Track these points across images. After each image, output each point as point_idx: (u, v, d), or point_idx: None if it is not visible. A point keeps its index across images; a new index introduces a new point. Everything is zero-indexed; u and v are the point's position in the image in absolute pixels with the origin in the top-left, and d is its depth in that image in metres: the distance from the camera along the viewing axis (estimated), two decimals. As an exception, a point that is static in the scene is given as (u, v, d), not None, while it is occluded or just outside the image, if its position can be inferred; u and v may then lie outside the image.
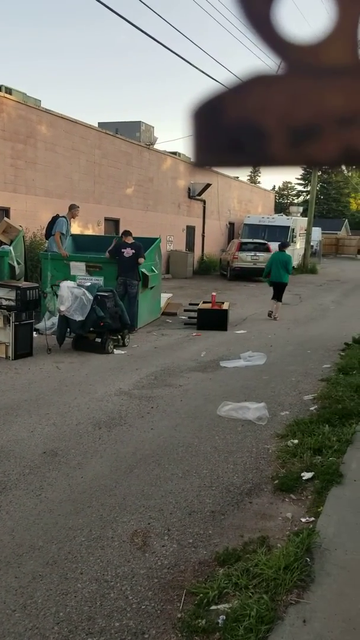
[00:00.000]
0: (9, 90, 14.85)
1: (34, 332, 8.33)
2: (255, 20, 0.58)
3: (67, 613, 2.69)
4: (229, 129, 0.59)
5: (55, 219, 11.01)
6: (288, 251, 13.16)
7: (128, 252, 9.90)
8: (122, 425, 5.30)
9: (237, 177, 30.32)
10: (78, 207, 11.70)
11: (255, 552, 3.13)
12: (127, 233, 10.44)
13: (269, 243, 22.39)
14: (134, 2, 9.94)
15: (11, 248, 10.44)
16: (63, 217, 10.96)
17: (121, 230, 11.83)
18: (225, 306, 11.10)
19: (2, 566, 3.03)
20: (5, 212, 14.17)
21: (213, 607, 2.71)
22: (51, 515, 3.57)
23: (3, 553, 3.15)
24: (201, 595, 2.78)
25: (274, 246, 22.43)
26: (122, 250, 9.92)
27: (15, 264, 10.31)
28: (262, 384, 6.91)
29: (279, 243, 13.06)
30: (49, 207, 15.83)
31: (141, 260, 9.90)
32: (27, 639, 2.51)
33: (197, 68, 13.91)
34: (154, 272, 11.01)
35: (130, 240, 10.14)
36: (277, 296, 12.20)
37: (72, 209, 11.35)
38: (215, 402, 5.95)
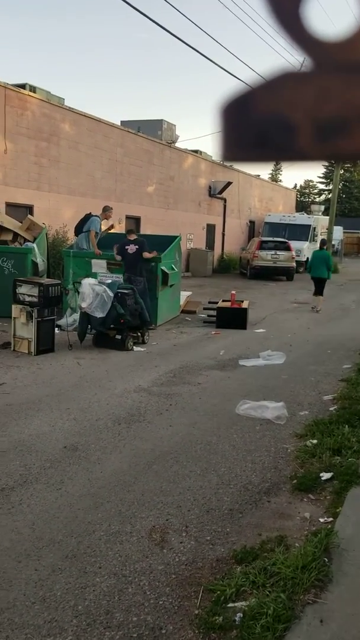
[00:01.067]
0: (33, 89, 14.98)
1: (56, 329, 8.41)
2: (284, 19, 0.58)
3: (86, 606, 2.71)
4: (257, 124, 0.60)
5: (88, 217, 11.05)
6: (309, 250, 13.63)
7: (132, 248, 9.94)
8: (141, 422, 5.33)
9: (259, 176, 30.20)
10: (111, 209, 11.73)
11: (273, 551, 3.13)
12: (130, 231, 10.63)
13: (290, 242, 22.26)
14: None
15: (34, 245, 10.56)
16: (97, 216, 11.00)
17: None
18: (244, 305, 11.07)
19: (22, 559, 3.07)
20: (29, 209, 14.31)
21: (230, 604, 2.72)
22: (71, 510, 3.61)
23: (23, 546, 3.19)
24: (218, 592, 2.79)
25: (294, 245, 22.34)
26: (126, 247, 9.97)
27: (38, 260, 10.43)
28: (281, 383, 6.89)
29: (320, 240, 14.90)
30: (71, 204, 15.95)
31: (146, 254, 9.90)
32: (46, 631, 2.54)
33: (219, 66, 13.88)
34: (174, 270, 11.03)
35: (133, 237, 10.19)
36: (319, 291, 13.29)
37: (106, 210, 11.38)
38: (234, 401, 5.94)
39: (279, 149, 0.60)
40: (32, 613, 2.65)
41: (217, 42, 15.15)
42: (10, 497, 3.74)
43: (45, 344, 7.93)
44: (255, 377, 7.22)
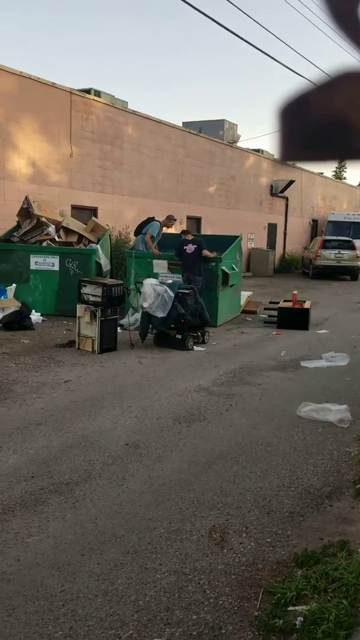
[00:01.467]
0: (97, 93, 15.31)
1: (118, 328, 8.57)
2: (341, 19, 0.58)
3: (147, 602, 2.76)
4: (315, 124, 0.60)
5: (149, 220, 11.21)
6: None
7: (190, 248, 9.96)
8: (201, 421, 5.35)
9: (322, 173, 29.61)
10: (175, 220, 11.83)
11: (335, 555, 3.08)
12: (186, 231, 10.66)
13: (354, 240, 21.69)
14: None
15: (98, 246, 10.80)
16: (158, 221, 11.14)
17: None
18: (306, 305, 10.88)
19: (85, 552, 3.15)
20: (93, 211, 14.65)
21: (291, 608, 2.70)
22: (132, 506, 3.68)
23: (87, 540, 3.28)
24: (279, 595, 2.77)
25: (359, 244, 21.75)
26: (184, 247, 10.01)
27: (102, 261, 10.66)
28: (344, 386, 6.74)
29: None
30: (133, 206, 16.20)
31: (207, 253, 9.89)
32: (108, 624, 2.60)
33: (282, 64, 13.73)
34: (235, 270, 10.99)
35: (189, 236, 10.21)
36: None
37: (169, 220, 11.46)
38: (295, 402, 5.87)
39: (336, 148, 0.60)
40: (95, 606, 2.72)
41: (279, 39, 15.03)
42: (75, 491, 3.85)
43: (108, 343, 8.09)
44: (318, 378, 7.09)
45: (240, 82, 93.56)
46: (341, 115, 0.59)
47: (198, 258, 9.91)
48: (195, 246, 9.95)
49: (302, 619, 2.59)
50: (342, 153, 0.61)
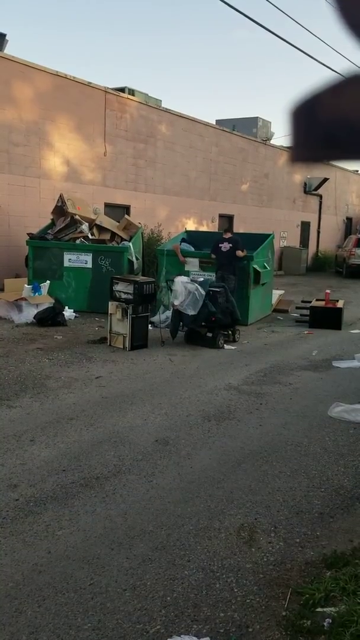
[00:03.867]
0: (131, 92, 15.39)
1: (149, 325, 8.61)
2: (353, 26, 0.58)
3: (174, 598, 2.78)
4: (326, 125, 0.60)
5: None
6: None
7: (225, 246, 9.95)
8: (230, 420, 5.35)
9: (357, 171, 29.14)
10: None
11: (365, 558, 3.04)
12: (226, 230, 10.74)
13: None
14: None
15: (130, 244, 10.87)
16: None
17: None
18: (339, 304, 10.75)
19: (114, 546, 3.19)
20: (126, 209, 14.75)
21: (319, 609, 2.68)
22: (161, 502, 3.70)
23: (116, 534, 3.31)
24: (307, 595, 2.75)
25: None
26: (220, 245, 10.00)
27: (133, 259, 10.73)
28: (377, 387, 6.64)
29: None
30: (166, 204, 16.25)
31: (239, 252, 9.86)
32: (136, 618, 2.62)
33: (315, 59, 13.55)
34: (266, 268, 10.93)
35: (228, 235, 10.21)
36: None
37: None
38: (326, 403, 5.81)
39: (348, 149, 0.60)
40: (123, 600, 2.75)
41: (315, 35, 14.83)
42: (105, 486, 3.89)
43: (139, 340, 8.15)
44: (350, 379, 7.00)
45: (275, 78, 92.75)
46: (351, 117, 0.59)
47: (233, 257, 9.89)
48: (230, 245, 9.95)
49: (331, 621, 2.57)
50: (352, 154, 0.61)
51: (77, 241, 10.86)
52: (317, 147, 0.62)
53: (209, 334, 8.53)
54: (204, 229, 17.50)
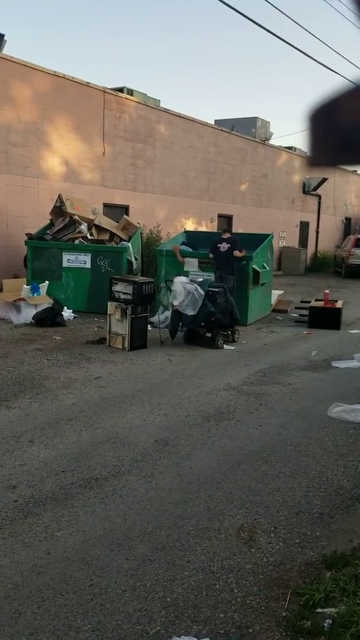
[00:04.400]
0: (130, 92, 15.39)
1: (148, 325, 8.61)
2: None
3: (174, 599, 2.77)
4: (344, 129, 0.60)
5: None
6: None
7: (224, 246, 9.96)
8: (230, 420, 5.34)
9: (356, 171, 29.15)
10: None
11: (365, 559, 3.03)
12: (225, 230, 10.78)
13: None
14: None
15: (129, 244, 10.86)
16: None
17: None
18: (338, 304, 10.75)
19: (114, 547, 3.19)
20: (125, 209, 14.74)
21: (319, 609, 2.67)
22: (161, 503, 3.70)
23: (115, 535, 3.31)
24: (307, 596, 2.75)
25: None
26: (219, 245, 10.02)
27: (132, 259, 10.73)
28: (377, 387, 6.64)
29: None
30: (165, 204, 16.25)
31: (237, 253, 9.86)
32: (136, 619, 2.62)
33: (314, 60, 13.56)
34: (265, 268, 10.93)
35: (227, 235, 10.22)
36: None
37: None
38: (326, 403, 5.81)
39: None
40: (123, 601, 2.75)
41: (314, 35, 14.85)
42: (104, 486, 3.89)
43: (138, 340, 8.14)
44: (349, 379, 7.00)
45: (274, 77, 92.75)
46: None
47: (231, 257, 9.89)
48: (229, 245, 9.95)
49: (331, 622, 2.57)
50: None
51: (76, 241, 10.85)
52: (335, 151, 0.62)
53: (208, 334, 8.53)
54: (203, 229, 17.50)
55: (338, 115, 0.60)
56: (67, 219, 11.04)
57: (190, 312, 8.16)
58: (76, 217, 11.07)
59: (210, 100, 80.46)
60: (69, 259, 10.62)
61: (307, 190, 24.05)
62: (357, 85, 0.59)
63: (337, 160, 0.63)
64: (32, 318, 9.37)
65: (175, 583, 2.89)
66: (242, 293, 10.07)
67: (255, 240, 11.00)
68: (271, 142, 22.22)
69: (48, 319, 9.33)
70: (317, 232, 25.43)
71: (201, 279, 8.85)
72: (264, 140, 21.53)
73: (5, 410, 5.38)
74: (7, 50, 12.23)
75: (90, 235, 11.19)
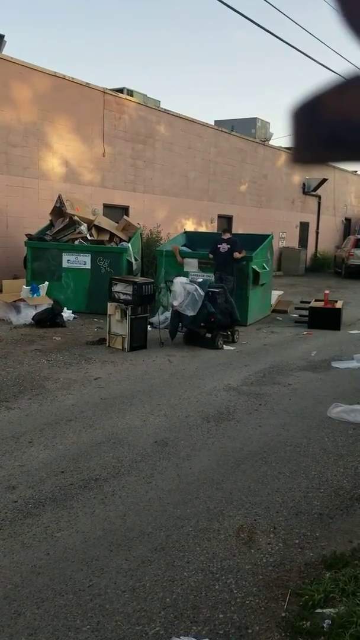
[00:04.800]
0: (130, 93, 15.40)
1: (148, 326, 8.61)
2: (354, 24, 0.58)
3: (174, 599, 2.77)
4: (328, 126, 0.60)
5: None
6: None
7: (224, 247, 9.96)
8: (230, 421, 5.34)
9: (356, 172, 29.16)
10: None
11: (364, 559, 3.03)
12: (225, 230, 10.79)
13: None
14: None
15: (129, 245, 10.86)
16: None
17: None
18: (338, 305, 10.75)
19: (113, 548, 3.18)
20: (125, 210, 14.74)
21: (318, 610, 2.67)
22: (160, 503, 3.70)
23: (115, 536, 3.30)
24: (306, 597, 2.75)
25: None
26: (219, 245, 10.03)
27: (132, 260, 10.72)
28: (376, 387, 6.64)
29: None
30: (165, 205, 16.25)
31: (236, 254, 9.86)
32: (135, 620, 2.62)
33: (313, 59, 13.57)
34: (265, 269, 10.93)
35: (227, 236, 10.22)
36: None
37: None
38: (326, 403, 5.81)
39: (351, 150, 0.60)
40: (122, 601, 2.75)
41: (313, 36, 14.85)
42: (104, 487, 3.89)
43: (138, 341, 8.14)
44: (349, 379, 7.00)
45: (274, 79, 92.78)
46: (355, 117, 0.58)
47: (231, 258, 9.89)
48: (229, 246, 9.95)
49: (330, 622, 2.57)
50: (356, 155, 0.60)
51: (76, 242, 10.85)
52: (320, 148, 0.62)
53: (208, 335, 8.53)
54: (203, 229, 17.49)
55: (322, 112, 0.60)
56: (67, 219, 11.03)
57: (190, 313, 8.16)
58: (76, 218, 11.07)
59: (210, 100, 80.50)
60: (68, 260, 10.62)
61: (307, 190, 24.05)
62: (345, 79, 0.59)
63: (323, 157, 0.63)
64: (32, 319, 9.37)
65: (175, 584, 2.89)
66: (242, 293, 10.07)
67: (255, 241, 11.00)
68: (271, 142, 22.22)
69: (48, 319, 9.33)
70: (317, 233, 25.43)
71: (201, 280, 8.85)
72: (264, 141, 21.53)
73: (4, 410, 5.38)
74: (7, 51, 12.24)
75: (90, 236, 11.19)
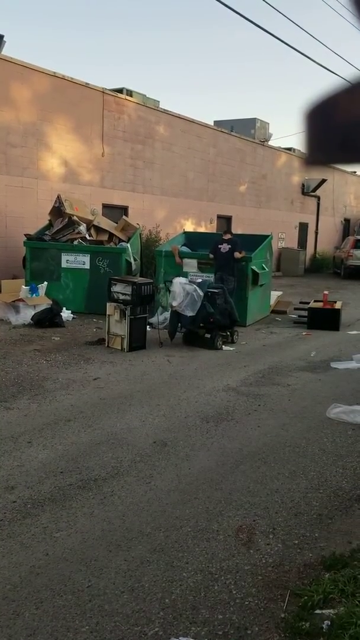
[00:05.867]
0: (129, 93, 15.38)
1: (147, 326, 8.60)
2: None
3: (173, 600, 2.76)
4: (342, 128, 0.59)
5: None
6: None
7: (224, 247, 9.97)
8: (229, 421, 5.34)
9: (355, 172, 29.17)
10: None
11: (363, 560, 3.03)
12: (226, 231, 10.77)
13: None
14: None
15: (128, 245, 10.86)
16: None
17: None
18: (337, 305, 10.76)
19: (112, 548, 3.18)
20: (124, 210, 14.73)
21: (318, 611, 2.67)
22: (159, 504, 3.69)
23: (114, 536, 3.30)
24: (306, 597, 2.74)
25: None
26: (219, 246, 10.04)
27: (132, 260, 10.72)
28: (375, 388, 6.64)
29: None
30: (164, 205, 16.24)
31: (237, 254, 9.87)
32: (134, 620, 2.61)
33: (313, 61, 13.58)
34: (265, 269, 10.93)
35: (228, 236, 10.23)
36: None
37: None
38: (325, 404, 5.81)
39: None
40: (121, 602, 2.74)
41: (313, 37, 14.85)
42: (103, 487, 3.88)
43: (137, 341, 8.14)
44: (348, 380, 7.00)
45: (273, 79, 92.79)
46: None
47: (232, 258, 9.90)
48: (229, 246, 9.96)
49: (330, 623, 2.56)
50: None
51: (75, 242, 10.85)
52: (333, 150, 0.61)
53: (207, 335, 8.52)
54: (202, 230, 17.49)
55: (336, 114, 0.60)
56: (66, 219, 11.03)
57: (189, 313, 8.16)
58: (75, 218, 11.06)
59: (210, 100, 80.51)
60: (67, 260, 10.62)
61: (306, 191, 24.05)
62: (355, 83, 0.59)
63: (335, 159, 0.63)
64: (31, 319, 9.36)
65: (174, 584, 2.89)
66: (241, 294, 10.07)
67: (255, 241, 11.00)
68: (270, 143, 22.22)
69: (47, 319, 9.32)
70: (316, 233, 25.44)
71: (200, 280, 8.85)
72: (263, 141, 21.53)
73: (3, 411, 5.37)
74: (7, 51, 12.23)
75: (89, 236, 11.18)
